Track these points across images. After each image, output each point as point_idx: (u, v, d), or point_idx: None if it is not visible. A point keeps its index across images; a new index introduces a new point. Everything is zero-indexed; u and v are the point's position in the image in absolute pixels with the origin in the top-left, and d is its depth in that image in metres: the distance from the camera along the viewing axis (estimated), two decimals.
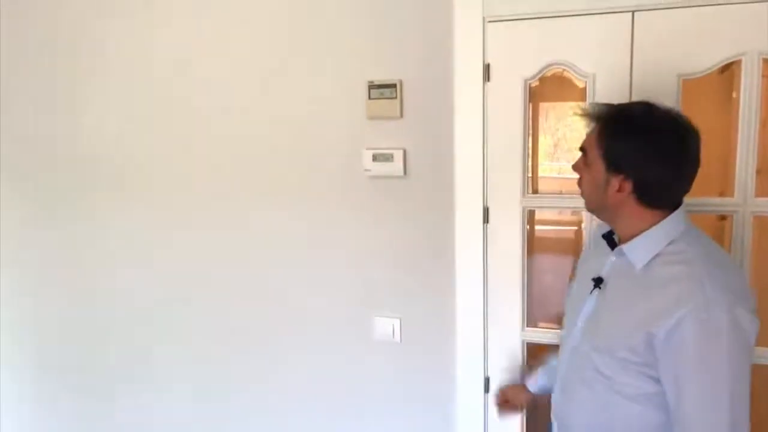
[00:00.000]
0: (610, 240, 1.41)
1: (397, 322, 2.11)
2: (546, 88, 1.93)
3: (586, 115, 1.36)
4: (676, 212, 1.31)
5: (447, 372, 2.08)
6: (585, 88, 1.84)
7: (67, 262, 2.50)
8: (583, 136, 1.39)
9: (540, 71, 1.88)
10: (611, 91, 1.80)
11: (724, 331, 1.15)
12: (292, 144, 2.14)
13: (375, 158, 2.03)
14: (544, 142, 4.83)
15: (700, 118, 1.34)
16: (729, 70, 1.83)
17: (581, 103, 1.40)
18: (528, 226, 2.02)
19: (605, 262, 1.40)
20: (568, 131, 4.72)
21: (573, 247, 3.76)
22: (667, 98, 1.74)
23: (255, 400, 2.33)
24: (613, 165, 1.29)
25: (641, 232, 1.30)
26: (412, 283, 2.08)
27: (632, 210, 1.31)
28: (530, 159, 2.04)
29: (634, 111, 1.33)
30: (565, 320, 1.53)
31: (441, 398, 2.10)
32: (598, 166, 1.31)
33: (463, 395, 2.07)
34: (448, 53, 1.93)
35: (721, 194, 1.90)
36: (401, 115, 2.00)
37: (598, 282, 1.39)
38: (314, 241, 2.16)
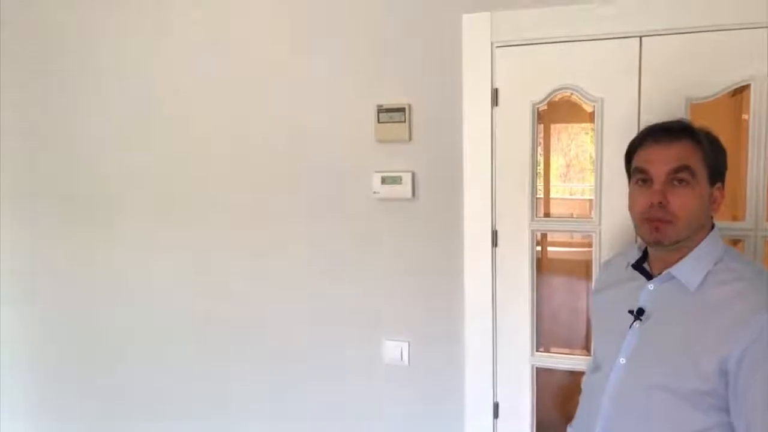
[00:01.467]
0: (642, 269, 1.37)
1: (405, 346, 2.10)
2: (554, 112, 1.93)
3: (656, 131, 1.32)
4: (716, 228, 1.32)
5: (456, 396, 2.06)
6: (593, 112, 1.84)
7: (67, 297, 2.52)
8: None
9: (548, 95, 1.89)
10: (619, 115, 1.80)
11: None
12: (301, 167, 2.15)
13: (384, 181, 2.04)
14: (556, 162, 4.81)
15: None
16: (740, 93, 1.83)
17: (659, 123, 1.35)
18: (539, 247, 2.01)
19: (638, 292, 1.35)
20: (580, 152, 4.70)
21: (585, 270, 3.72)
22: None
23: (262, 422, 2.32)
24: (714, 175, 1.29)
25: (688, 252, 1.28)
26: (420, 306, 2.08)
27: (708, 224, 1.31)
28: (542, 181, 2.04)
29: (692, 124, 1.33)
30: (599, 361, 1.44)
31: (450, 423, 2.08)
32: (704, 180, 1.27)
33: (471, 420, 2.05)
34: (457, 77, 1.94)
35: (734, 218, 1.88)
36: (410, 139, 2.02)
37: (639, 313, 1.32)
38: (322, 263, 2.17)
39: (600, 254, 1.86)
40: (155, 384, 2.45)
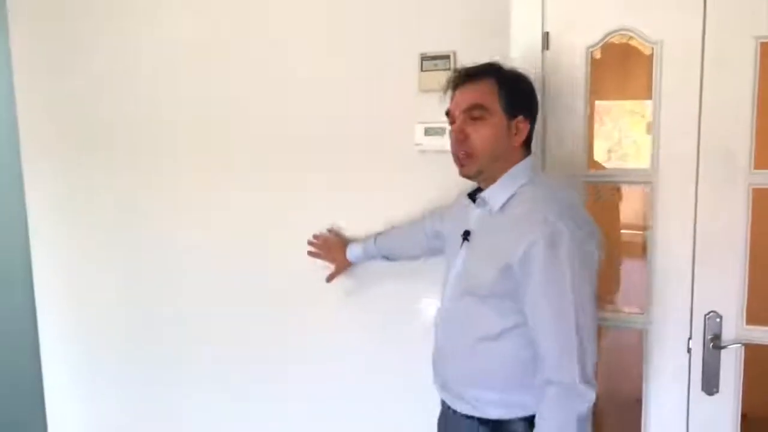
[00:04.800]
0: (472, 197, 1.57)
1: None
2: (609, 57, 1.82)
3: (460, 76, 1.52)
4: (529, 157, 1.52)
5: None
6: (652, 56, 1.73)
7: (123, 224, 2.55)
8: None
9: (603, 38, 1.78)
10: (681, 57, 1.68)
11: (566, 250, 1.33)
12: (340, 119, 2.10)
13: (427, 132, 1.97)
14: (608, 111, 4.59)
15: None
16: None
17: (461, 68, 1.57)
18: None
19: (470, 217, 1.55)
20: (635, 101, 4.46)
21: (636, 251, 3.48)
22: (743, 62, 1.63)
23: (298, 384, 2.32)
24: (513, 110, 1.47)
25: (497, 180, 1.49)
26: None
27: (516, 154, 1.49)
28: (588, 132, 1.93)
29: (500, 64, 1.53)
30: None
31: None
32: (499, 114, 1.46)
33: None
34: (505, 21, 1.84)
35: None
36: None
37: (465, 235, 1.54)
38: (361, 217, 2.12)
39: (658, 205, 1.76)
40: (203, 345, 2.47)
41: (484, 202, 1.50)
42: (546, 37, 1.82)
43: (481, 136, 1.45)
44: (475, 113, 1.46)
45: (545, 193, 1.46)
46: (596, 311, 1.40)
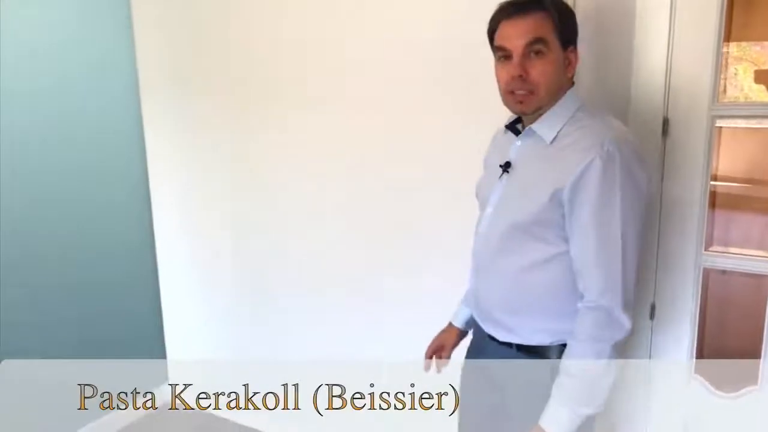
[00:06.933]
0: (514, 129, 1.51)
1: None
2: None
3: (510, 9, 1.40)
4: (573, 88, 1.45)
5: None
6: None
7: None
8: None
9: None
10: None
11: (619, 177, 1.30)
12: (437, 54, 2.06)
13: None
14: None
15: None
16: None
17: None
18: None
19: (510, 149, 1.50)
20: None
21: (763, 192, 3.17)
22: None
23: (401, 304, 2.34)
24: (566, 40, 1.39)
25: (547, 110, 1.42)
26: None
27: (566, 85, 1.43)
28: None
29: None
30: (479, 213, 1.60)
31: None
32: (557, 47, 1.38)
33: None
34: None
35: None
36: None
37: (506, 166, 1.48)
38: (459, 152, 2.06)
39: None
40: (299, 277, 2.56)
41: (533, 134, 1.44)
42: None
43: (543, 72, 1.37)
44: (536, 47, 1.36)
45: (600, 120, 1.41)
46: (643, 242, 1.41)
